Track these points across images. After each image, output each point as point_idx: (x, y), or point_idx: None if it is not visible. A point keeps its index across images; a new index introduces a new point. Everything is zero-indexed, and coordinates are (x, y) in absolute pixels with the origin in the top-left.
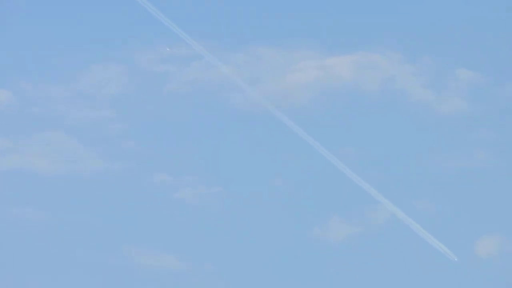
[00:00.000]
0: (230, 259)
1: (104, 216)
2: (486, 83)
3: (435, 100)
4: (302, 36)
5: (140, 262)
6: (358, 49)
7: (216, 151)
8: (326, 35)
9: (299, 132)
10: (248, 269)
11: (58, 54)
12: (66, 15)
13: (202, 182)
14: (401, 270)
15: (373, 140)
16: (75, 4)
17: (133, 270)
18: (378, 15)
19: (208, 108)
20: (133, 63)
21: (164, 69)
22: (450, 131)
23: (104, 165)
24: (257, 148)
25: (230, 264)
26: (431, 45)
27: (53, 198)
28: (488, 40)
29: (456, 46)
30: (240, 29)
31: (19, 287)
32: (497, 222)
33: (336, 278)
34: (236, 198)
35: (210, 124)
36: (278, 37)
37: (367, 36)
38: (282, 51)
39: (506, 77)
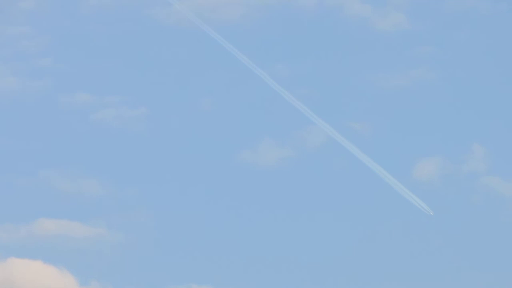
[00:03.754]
0: (154, 184)
1: (19, 139)
2: None
3: (374, 16)
4: None
5: (59, 188)
6: None
7: (140, 70)
8: None
9: (229, 49)
10: (173, 193)
11: None
12: None
13: (125, 103)
14: (338, 194)
15: (307, 58)
16: None
17: (51, 196)
18: None
19: (131, 23)
20: None
21: None
22: (388, 48)
23: (19, 84)
24: (184, 66)
25: (154, 188)
26: None
27: None
28: None
29: None
30: None
31: None
32: (437, 144)
33: (267, 204)
34: (161, 120)
35: (133, 40)
36: None
37: None
38: None
39: None
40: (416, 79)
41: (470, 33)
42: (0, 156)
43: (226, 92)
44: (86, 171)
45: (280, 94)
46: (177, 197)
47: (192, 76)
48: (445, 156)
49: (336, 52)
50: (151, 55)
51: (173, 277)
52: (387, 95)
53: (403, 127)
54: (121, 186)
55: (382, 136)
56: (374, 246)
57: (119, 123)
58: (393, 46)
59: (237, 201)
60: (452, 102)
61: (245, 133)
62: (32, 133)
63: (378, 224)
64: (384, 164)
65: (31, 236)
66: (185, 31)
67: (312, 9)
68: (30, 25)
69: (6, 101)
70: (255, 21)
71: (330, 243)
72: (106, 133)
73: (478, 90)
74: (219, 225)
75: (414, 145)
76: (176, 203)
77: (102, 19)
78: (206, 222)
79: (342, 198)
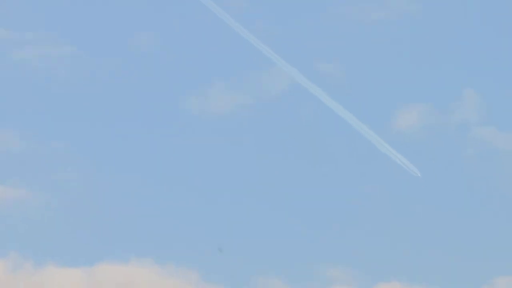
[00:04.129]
0: (83, 134)
1: None
2: None
3: None
4: None
5: None
6: None
7: (67, 2)
8: None
9: None
10: (106, 149)
11: None
12: None
13: (49, 40)
14: (304, 149)
15: None
16: None
17: None
18: None
19: None
20: None
21: None
22: None
23: None
24: None
25: (83, 140)
26: None
27: None
28: None
29: None
30: None
31: None
32: (421, 90)
33: (219, 158)
34: (91, 60)
35: None
36: None
37: None
38: None
39: None
40: (397, 12)
41: None
42: None
43: (168, 26)
44: (2, 120)
45: (235, 29)
46: (111, 153)
47: (127, 8)
48: (431, 104)
49: None
50: None
51: (108, 249)
52: (362, 31)
53: (381, 69)
54: (44, 140)
55: (357, 80)
56: (349, 207)
57: (42, 64)
58: None
59: (183, 157)
60: (439, 39)
61: (192, 76)
62: None
63: (353, 183)
64: (359, 114)
65: None
66: None
67: None
68: None
69: None
70: None
71: (293, 204)
72: (28, 75)
73: (470, 24)
74: (160, 186)
75: (394, 91)
76: (110, 160)
77: None
78: (146, 183)
79: (309, 153)
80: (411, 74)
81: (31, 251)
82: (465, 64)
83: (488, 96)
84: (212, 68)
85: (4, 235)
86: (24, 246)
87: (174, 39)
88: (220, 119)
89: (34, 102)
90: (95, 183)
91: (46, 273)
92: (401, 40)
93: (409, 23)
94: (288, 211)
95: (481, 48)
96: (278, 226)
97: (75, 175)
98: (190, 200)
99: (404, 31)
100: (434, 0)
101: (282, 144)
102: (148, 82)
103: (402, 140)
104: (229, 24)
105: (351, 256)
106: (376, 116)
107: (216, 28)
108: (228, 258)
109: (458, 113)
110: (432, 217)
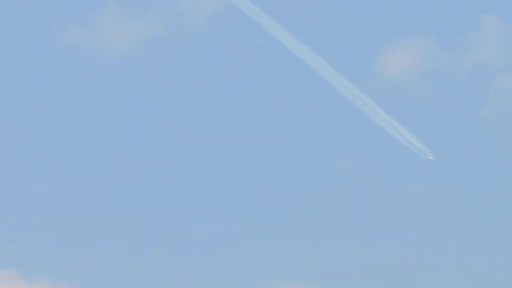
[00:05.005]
0: None
1: None
2: None
3: None
4: None
5: None
6: None
7: None
8: None
9: None
10: None
11: None
12: None
13: None
14: (242, 96)
15: None
16: None
17: None
18: None
19: None
20: None
21: None
22: None
23: None
24: None
25: None
26: None
27: None
28: None
29: None
30: None
31: None
32: (417, 18)
33: (112, 107)
34: None
35: None
36: None
37: None
38: None
39: None
40: None
41: None
42: None
43: None
44: None
45: None
46: None
47: None
48: (431, 38)
49: None
50: None
51: None
52: None
53: (355, 5)
54: None
55: (327, 19)
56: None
57: None
58: None
59: (67, 102)
60: None
61: None
62: None
63: (313, 147)
64: (325, 54)
65: None
66: None
67: None
68: None
69: None
70: None
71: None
72: None
73: None
74: (35, 135)
75: (377, 21)
76: None
77: None
78: (21, 130)
79: (253, 104)
80: (386, 9)
81: None
82: None
83: None
84: None
85: None
86: None
87: None
88: (114, 60)
89: None
90: None
91: None
92: None
93: None
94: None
95: None
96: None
97: None
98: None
99: None
100: None
101: (203, 94)
102: (18, 12)
103: (387, 92)
104: None
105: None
106: (350, 56)
107: None
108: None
109: (473, 51)
110: (433, 206)
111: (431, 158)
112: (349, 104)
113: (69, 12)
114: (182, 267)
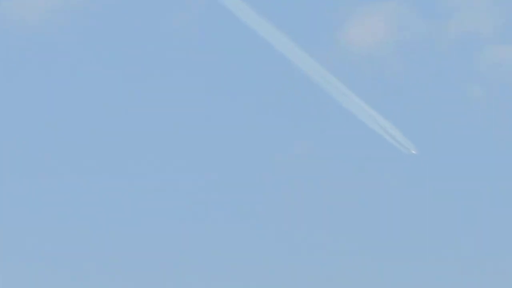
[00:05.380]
0: None
1: None
2: None
3: None
4: None
5: None
6: None
7: None
8: None
9: None
10: None
11: None
12: None
13: None
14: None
15: None
16: None
17: None
18: None
19: None
20: None
21: None
22: None
23: None
24: None
25: None
26: None
27: None
28: None
29: None
30: None
31: None
32: None
33: (32, 81)
34: None
35: None
36: None
37: None
38: None
39: None
40: None
41: None
42: None
43: None
44: None
45: None
46: None
47: None
48: (406, 2)
49: None
50: None
51: None
52: None
53: None
54: None
55: None
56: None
57: None
58: None
59: None
60: None
61: None
62: None
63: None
64: (279, 22)
65: None
66: None
67: None
68: None
69: None
70: None
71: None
72: None
73: None
74: None
75: None
76: None
77: None
78: None
79: (194, 78)
80: None
81: None
82: None
83: None
84: None
85: None
86: None
87: None
88: (28, 31)
89: None
90: None
91: None
92: None
93: None
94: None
95: None
96: None
97: None
98: None
99: None
100: None
101: (136, 69)
102: None
103: (353, 68)
104: None
105: None
106: (309, 25)
107: None
108: None
109: (456, 19)
110: (405, 210)
111: (409, 149)
112: (309, 81)
113: None
114: None
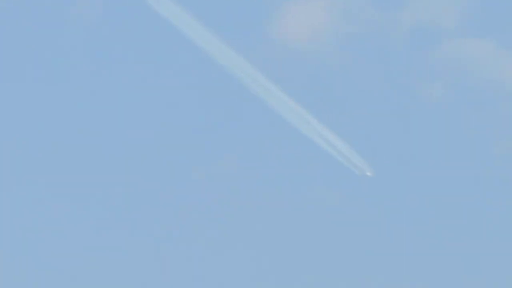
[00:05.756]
0: None
1: None
2: None
3: None
4: None
5: None
6: None
7: None
8: None
9: None
10: None
11: None
12: None
13: None
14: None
15: None
16: None
17: None
18: None
19: None
20: None
21: None
22: None
23: None
24: None
25: None
26: None
27: None
28: None
29: None
30: None
31: None
32: None
33: None
34: None
35: None
36: None
37: None
38: None
39: None
40: None
41: None
42: None
43: None
44: None
45: None
46: None
47: None
48: None
49: None
50: None
51: None
52: None
53: None
54: None
55: None
56: None
57: None
58: None
59: None
60: None
61: None
62: None
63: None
64: (200, 14)
65: None
66: None
67: None
68: None
69: None
70: None
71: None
72: None
73: None
74: None
75: None
76: None
77: None
78: None
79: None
80: None
81: None
82: None
83: None
84: None
85: None
86: None
87: None
88: None
89: None
90: None
91: None
92: None
93: None
94: None
95: None
96: None
97: None
98: None
99: None
100: None
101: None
102: None
103: (287, 67)
104: None
105: None
106: (236, 16)
107: None
108: None
109: (412, 8)
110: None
111: (364, 170)
112: (236, 81)
113: None
114: None
